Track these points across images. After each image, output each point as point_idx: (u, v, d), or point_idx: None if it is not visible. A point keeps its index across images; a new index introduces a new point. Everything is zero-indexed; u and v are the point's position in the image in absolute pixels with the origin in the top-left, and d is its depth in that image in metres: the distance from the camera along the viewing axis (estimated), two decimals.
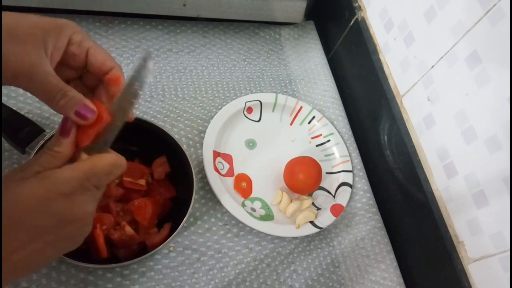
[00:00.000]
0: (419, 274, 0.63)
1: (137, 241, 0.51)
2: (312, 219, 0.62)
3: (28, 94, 0.59)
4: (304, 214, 0.61)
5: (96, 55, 0.37)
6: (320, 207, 0.65)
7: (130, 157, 0.57)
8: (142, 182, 0.54)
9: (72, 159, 0.35)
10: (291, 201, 0.63)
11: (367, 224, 0.67)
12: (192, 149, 0.64)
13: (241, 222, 0.59)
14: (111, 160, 0.36)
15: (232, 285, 0.56)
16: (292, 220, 0.62)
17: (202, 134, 0.65)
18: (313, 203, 0.65)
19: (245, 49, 0.77)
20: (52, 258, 0.35)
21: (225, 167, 0.64)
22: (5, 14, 0.33)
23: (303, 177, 0.62)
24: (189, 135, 0.65)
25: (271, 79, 0.76)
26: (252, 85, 0.74)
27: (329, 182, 0.68)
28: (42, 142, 0.49)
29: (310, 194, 0.66)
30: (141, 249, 0.52)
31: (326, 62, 0.81)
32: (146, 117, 0.62)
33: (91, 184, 0.34)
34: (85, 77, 0.40)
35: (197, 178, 0.62)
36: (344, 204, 0.65)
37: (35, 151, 0.48)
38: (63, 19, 0.36)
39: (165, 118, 0.65)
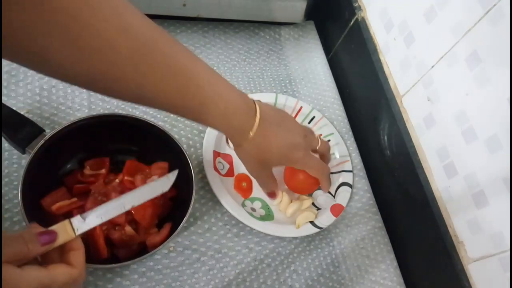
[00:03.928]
0: (419, 274, 0.63)
1: (137, 241, 0.51)
2: (312, 219, 0.62)
3: (28, 93, 0.59)
4: (304, 214, 0.61)
5: None
6: (320, 207, 0.65)
7: (129, 156, 0.57)
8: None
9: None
10: (291, 201, 0.63)
11: (367, 224, 0.67)
12: (192, 149, 0.64)
13: (241, 222, 0.59)
14: (72, 276, 0.36)
15: (232, 285, 0.56)
16: (292, 220, 0.62)
17: (202, 134, 0.65)
18: (313, 203, 0.65)
19: (245, 49, 0.77)
20: None
21: (225, 167, 0.64)
22: None
23: (303, 177, 0.62)
24: (189, 135, 0.65)
25: (271, 79, 0.76)
26: (252, 85, 0.74)
27: None
28: (42, 142, 0.49)
29: (310, 194, 0.66)
30: (141, 249, 0.52)
31: (326, 62, 0.81)
32: (146, 117, 0.62)
33: None
34: None
35: (197, 178, 0.62)
36: (344, 204, 0.65)
37: (35, 150, 0.48)
38: None
39: (165, 118, 0.65)
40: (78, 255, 0.37)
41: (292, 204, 0.62)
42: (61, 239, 0.37)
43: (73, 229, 0.38)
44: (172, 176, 0.44)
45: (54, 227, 0.37)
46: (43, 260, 0.37)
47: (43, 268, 0.34)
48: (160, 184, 0.43)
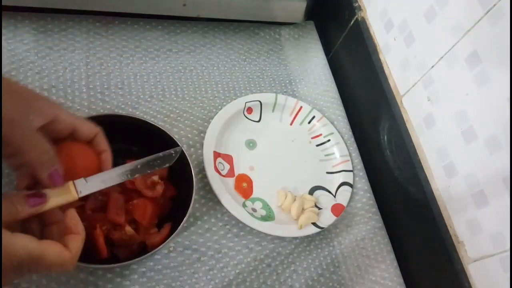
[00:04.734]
0: (419, 274, 0.63)
1: (137, 241, 0.51)
2: (315, 220, 0.62)
3: None
4: (307, 215, 0.61)
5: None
6: (321, 207, 0.65)
7: (130, 157, 0.57)
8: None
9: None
10: (294, 200, 0.63)
11: (367, 224, 0.67)
12: (192, 149, 0.64)
13: (241, 222, 0.59)
14: (63, 257, 0.34)
15: (232, 285, 0.56)
16: (293, 220, 0.62)
17: (202, 134, 0.65)
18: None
19: (245, 49, 0.77)
20: None
21: (225, 167, 0.64)
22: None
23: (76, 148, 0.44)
24: (189, 135, 0.65)
25: (271, 79, 0.76)
26: (252, 85, 0.74)
27: (329, 182, 0.68)
28: None
29: (312, 194, 0.66)
30: (141, 249, 0.52)
31: (326, 62, 0.81)
32: (146, 117, 0.62)
33: (27, 270, 0.32)
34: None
35: (197, 178, 0.62)
36: (344, 203, 0.65)
37: None
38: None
39: (165, 118, 0.65)
40: (76, 239, 0.36)
41: (294, 203, 0.62)
42: (63, 200, 0.37)
43: (76, 191, 0.38)
44: (175, 152, 0.45)
45: (57, 188, 0.37)
46: (44, 235, 0.37)
47: (34, 239, 0.33)
48: (163, 158, 0.44)
